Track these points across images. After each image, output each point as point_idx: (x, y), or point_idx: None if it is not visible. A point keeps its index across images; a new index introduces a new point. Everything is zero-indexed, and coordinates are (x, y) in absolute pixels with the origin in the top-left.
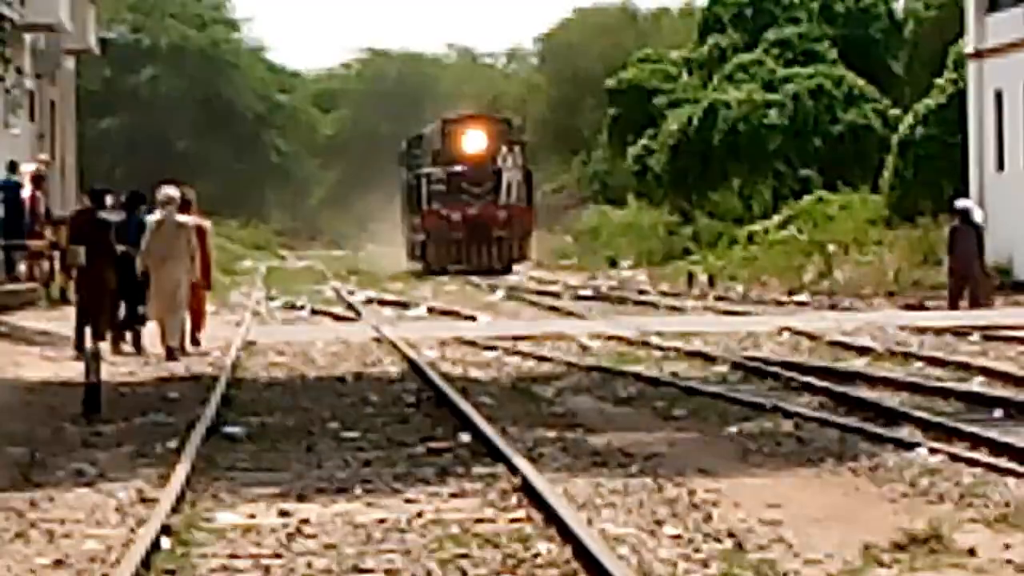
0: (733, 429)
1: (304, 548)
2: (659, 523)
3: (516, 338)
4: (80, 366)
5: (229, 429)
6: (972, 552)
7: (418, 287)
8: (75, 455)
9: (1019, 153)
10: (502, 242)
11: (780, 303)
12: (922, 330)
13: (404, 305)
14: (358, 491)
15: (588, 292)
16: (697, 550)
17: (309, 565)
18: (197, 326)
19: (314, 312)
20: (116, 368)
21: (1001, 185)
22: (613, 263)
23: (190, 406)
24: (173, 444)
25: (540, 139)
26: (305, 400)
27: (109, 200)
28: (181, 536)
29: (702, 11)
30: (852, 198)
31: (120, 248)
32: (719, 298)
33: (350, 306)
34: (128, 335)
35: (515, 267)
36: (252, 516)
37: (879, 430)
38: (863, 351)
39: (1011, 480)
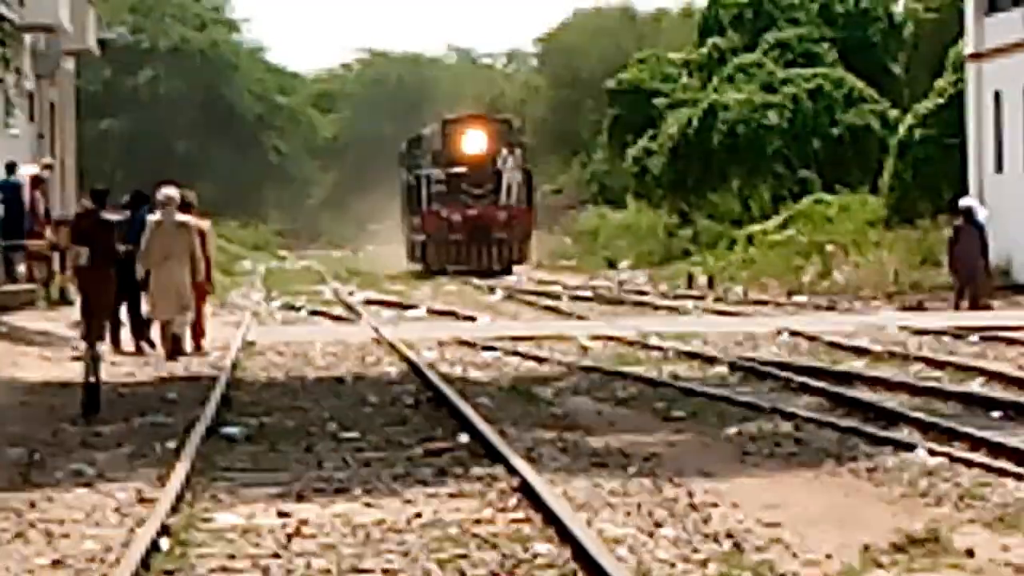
0: (732, 430)
1: (303, 549)
2: (658, 524)
3: (515, 339)
4: (79, 366)
5: (228, 430)
6: (971, 553)
7: (418, 288)
8: (74, 456)
9: (1018, 154)
10: (502, 243)
11: (779, 304)
12: (921, 331)
13: (404, 306)
14: (357, 492)
15: (587, 293)
16: (696, 551)
17: (308, 566)
18: (199, 333)
19: (313, 313)
20: (115, 368)
21: (1000, 186)
22: (612, 264)
23: (189, 407)
24: (172, 445)
25: (540, 140)
26: (304, 401)
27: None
28: (180, 537)
29: (702, 13)
30: (851, 199)
31: (123, 248)
32: (718, 299)
33: (349, 307)
34: (139, 336)
35: (515, 268)
36: (251, 517)
37: (878, 431)
38: (862, 352)
39: (1010, 481)
